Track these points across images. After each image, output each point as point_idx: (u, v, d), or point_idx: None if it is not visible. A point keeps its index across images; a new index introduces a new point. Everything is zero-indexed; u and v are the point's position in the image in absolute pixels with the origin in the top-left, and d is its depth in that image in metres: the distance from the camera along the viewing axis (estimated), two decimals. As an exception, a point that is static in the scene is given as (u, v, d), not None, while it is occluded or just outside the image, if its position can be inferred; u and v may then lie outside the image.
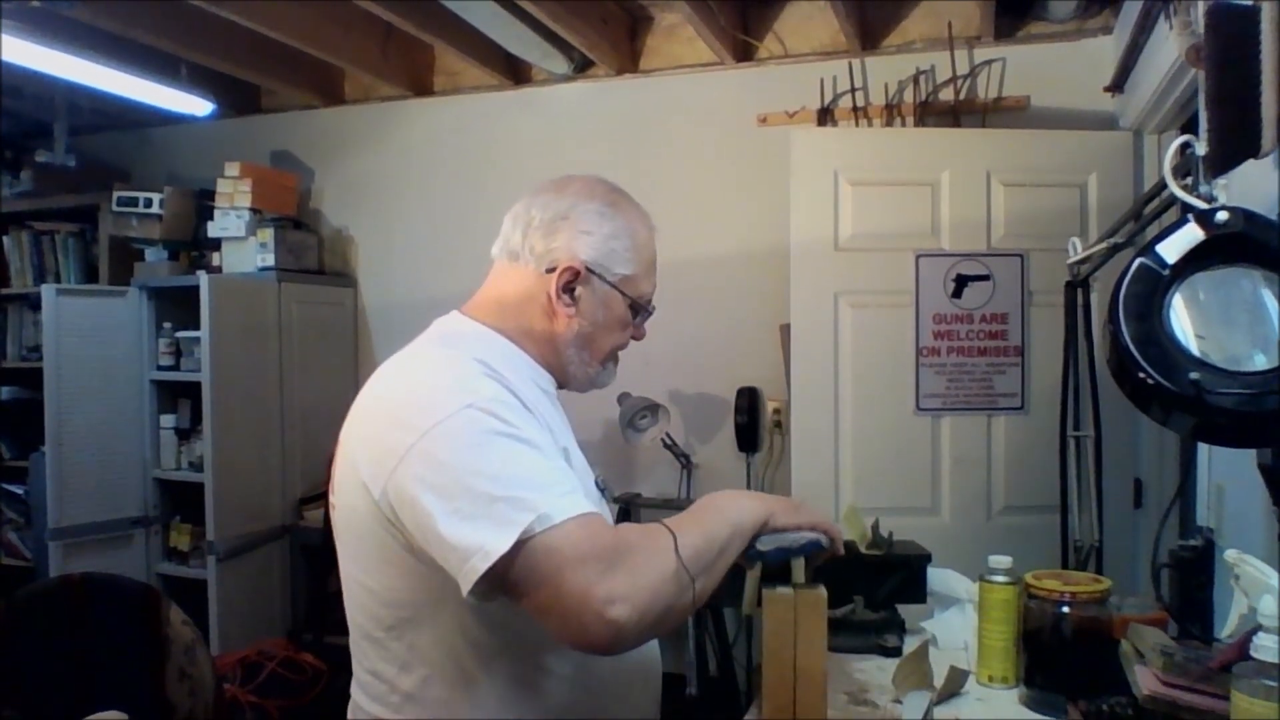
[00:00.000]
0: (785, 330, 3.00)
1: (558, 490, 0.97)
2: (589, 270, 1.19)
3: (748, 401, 3.32)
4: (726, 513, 1.11)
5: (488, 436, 0.98)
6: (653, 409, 3.20)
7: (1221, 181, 1.24)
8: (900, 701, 1.38)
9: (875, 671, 1.53)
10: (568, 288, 1.19)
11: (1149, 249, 1.18)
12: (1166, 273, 1.16)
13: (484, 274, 1.27)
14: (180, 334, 3.51)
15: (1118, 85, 2.85)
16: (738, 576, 1.18)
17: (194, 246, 3.82)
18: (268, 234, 3.60)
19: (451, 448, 0.97)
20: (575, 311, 1.20)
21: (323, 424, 3.61)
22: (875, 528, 1.83)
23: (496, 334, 1.20)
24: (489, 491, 0.94)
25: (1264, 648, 0.99)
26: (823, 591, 1.32)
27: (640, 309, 1.26)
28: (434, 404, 1.00)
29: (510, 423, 1.00)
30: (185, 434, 3.60)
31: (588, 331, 1.21)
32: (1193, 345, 1.14)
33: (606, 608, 0.91)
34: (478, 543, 0.93)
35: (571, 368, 1.23)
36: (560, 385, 1.26)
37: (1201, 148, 1.26)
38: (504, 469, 0.96)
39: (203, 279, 3.33)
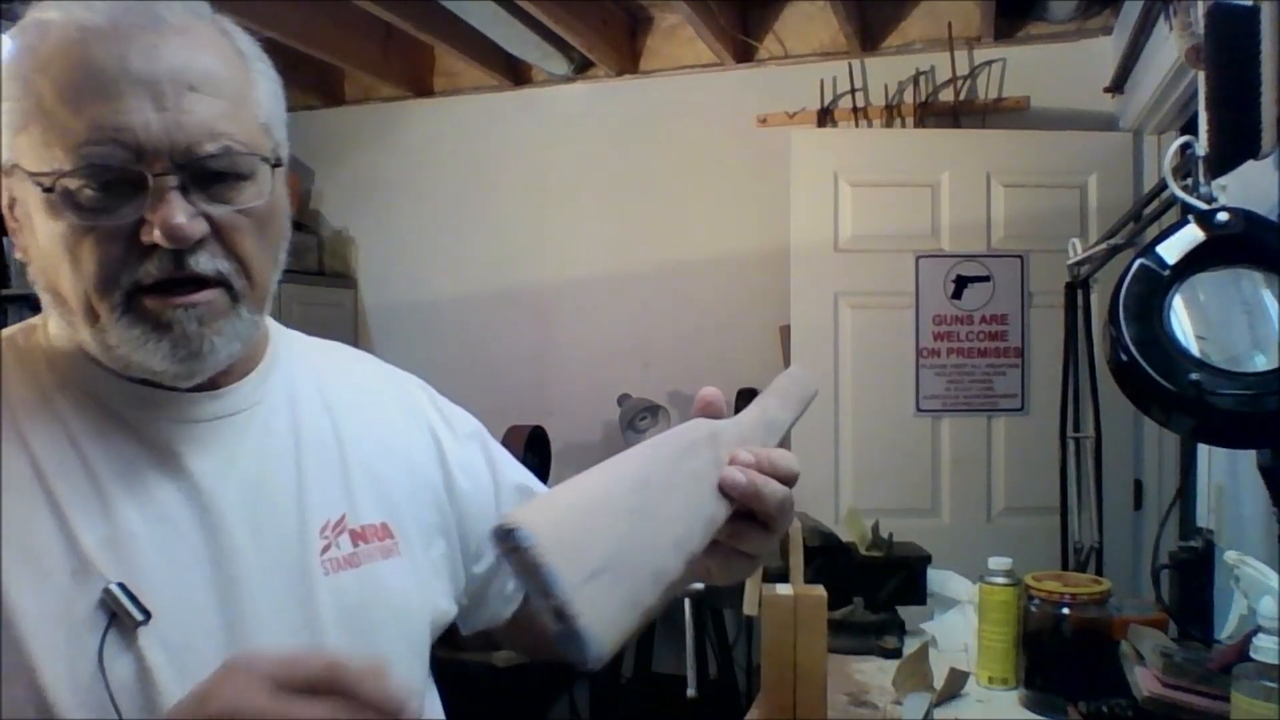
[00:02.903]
0: (785, 331, 3.00)
1: None
2: None
3: (748, 402, 3.31)
4: None
5: None
6: (652, 410, 3.20)
7: (1221, 182, 1.24)
8: (900, 703, 1.38)
9: (875, 673, 1.53)
10: (11, 208, 0.72)
11: (1149, 250, 1.18)
12: (1167, 274, 1.16)
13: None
14: (180, 335, 3.50)
15: (1118, 86, 2.85)
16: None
17: (194, 247, 3.81)
18: (268, 234, 3.59)
19: None
20: (19, 238, 0.73)
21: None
22: (875, 529, 1.83)
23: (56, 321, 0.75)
24: None
25: (1264, 649, 0.99)
26: (823, 592, 1.33)
27: (55, 177, 0.64)
28: None
29: None
30: (185, 435, 3.59)
31: (39, 264, 0.71)
32: (1193, 346, 1.14)
33: None
34: None
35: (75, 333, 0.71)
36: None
37: (1201, 148, 1.26)
38: None
39: (202, 279, 3.32)
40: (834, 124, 3.23)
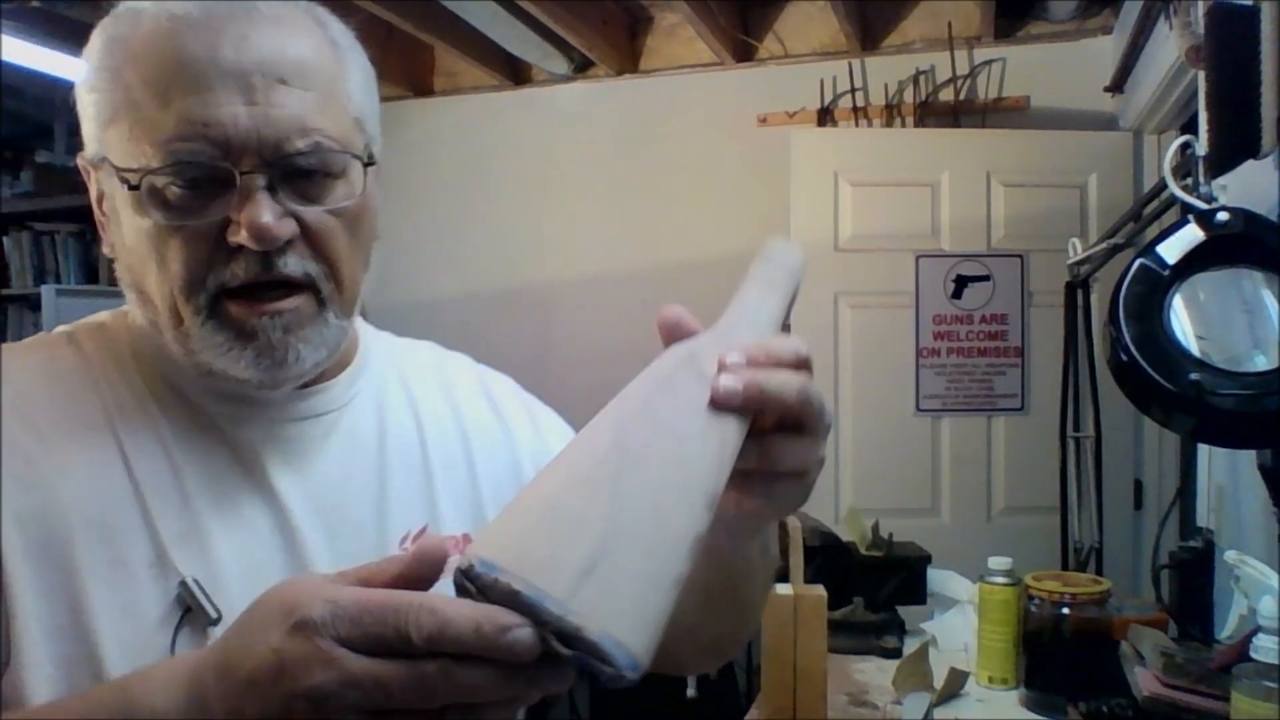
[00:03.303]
0: (785, 331, 3.00)
1: None
2: (89, 164, 0.69)
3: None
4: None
5: None
6: (653, 409, 3.20)
7: (1221, 182, 1.24)
8: (900, 703, 1.38)
9: (875, 673, 1.53)
10: (100, 203, 0.72)
11: (1149, 250, 1.18)
12: (1167, 273, 1.16)
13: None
14: (180, 334, 3.50)
15: (1118, 85, 2.85)
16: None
17: (194, 247, 3.81)
18: (268, 234, 3.59)
19: None
20: (107, 233, 0.71)
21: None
22: (875, 529, 1.83)
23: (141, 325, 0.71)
24: None
25: (1264, 649, 0.99)
26: (823, 592, 1.33)
27: (142, 174, 0.62)
28: None
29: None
30: (185, 434, 3.59)
31: (125, 261, 0.69)
32: (1193, 346, 1.14)
33: None
34: None
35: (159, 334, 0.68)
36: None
37: (1201, 148, 1.26)
38: None
39: (202, 279, 3.32)
40: (834, 124, 3.23)
